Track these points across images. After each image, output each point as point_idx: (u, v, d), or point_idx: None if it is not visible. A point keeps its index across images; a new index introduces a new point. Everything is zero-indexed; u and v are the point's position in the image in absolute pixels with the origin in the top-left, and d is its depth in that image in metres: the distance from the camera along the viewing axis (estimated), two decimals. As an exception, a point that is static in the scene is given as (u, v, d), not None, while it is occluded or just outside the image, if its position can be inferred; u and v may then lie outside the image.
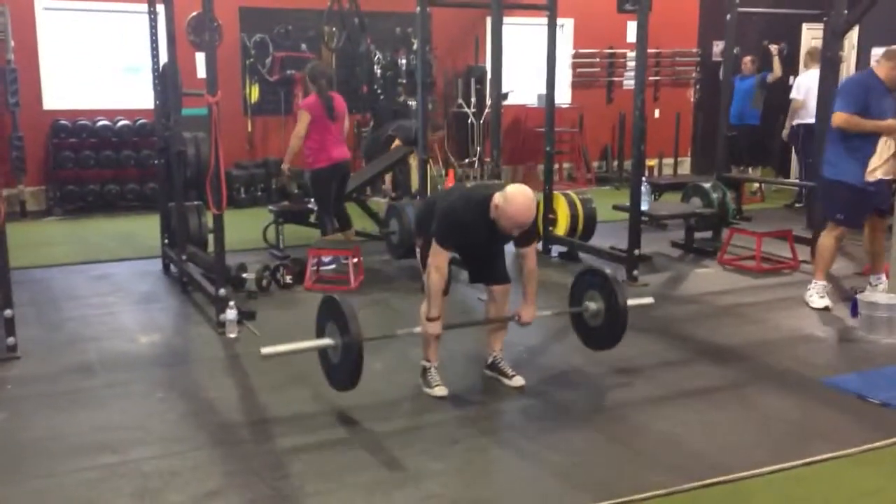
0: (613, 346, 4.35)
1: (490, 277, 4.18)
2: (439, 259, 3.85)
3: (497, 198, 3.75)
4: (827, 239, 5.51)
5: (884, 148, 5.21)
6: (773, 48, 9.54)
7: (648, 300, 4.68)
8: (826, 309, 5.46)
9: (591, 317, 4.36)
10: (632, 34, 6.74)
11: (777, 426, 3.80)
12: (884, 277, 5.59)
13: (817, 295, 5.53)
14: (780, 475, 3.31)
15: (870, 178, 5.23)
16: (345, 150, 6.56)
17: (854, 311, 5.18)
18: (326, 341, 3.79)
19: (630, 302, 4.30)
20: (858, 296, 5.15)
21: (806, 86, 8.66)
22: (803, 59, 9.81)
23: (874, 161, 5.22)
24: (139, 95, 9.00)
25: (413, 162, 8.86)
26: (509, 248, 4.11)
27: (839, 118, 5.20)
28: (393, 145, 8.19)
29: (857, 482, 3.30)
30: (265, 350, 3.73)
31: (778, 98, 9.88)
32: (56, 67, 9.23)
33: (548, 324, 5.28)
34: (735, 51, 8.09)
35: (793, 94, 9.09)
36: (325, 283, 6.13)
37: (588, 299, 4.35)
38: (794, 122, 9.05)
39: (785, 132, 9.37)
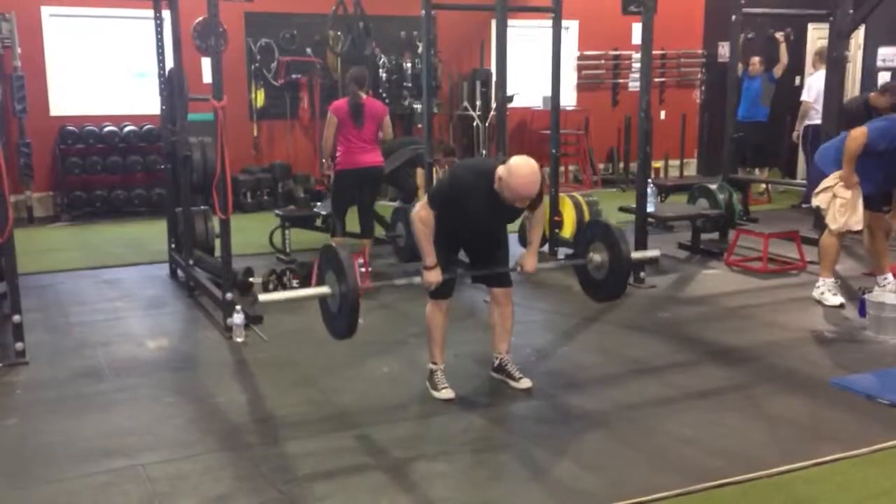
0: (618, 296, 4.28)
1: (493, 279, 4.15)
2: (423, 213, 3.81)
3: (501, 170, 3.68)
4: (829, 237, 5.52)
5: (840, 192, 5.31)
6: (779, 35, 9.50)
7: (655, 253, 4.62)
8: (841, 306, 5.47)
9: (596, 269, 4.29)
10: (637, 36, 6.75)
11: (786, 427, 3.79)
12: (891, 277, 5.58)
13: (829, 293, 5.54)
14: (789, 476, 3.30)
15: (833, 226, 5.41)
16: (373, 157, 6.31)
17: (862, 312, 5.17)
18: (324, 290, 3.77)
19: (634, 255, 4.23)
20: (866, 296, 5.14)
21: (816, 87, 8.63)
22: (812, 59, 9.79)
23: (830, 211, 5.38)
24: (146, 101, 9.01)
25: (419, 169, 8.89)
26: (513, 251, 4.10)
27: (858, 139, 5.22)
28: (416, 170, 8.01)
29: (866, 483, 3.29)
30: (262, 296, 3.80)
31: (786, 98, 9.86)
32: (63, 74, 9.27)
33: (554, 325, 5.28)
34: (744, 35, 7.99)
35: (803, 97, 9.07)
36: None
37: (592, 251, 4.30)
38: (805, 124, 9.03)
39: (795, 134, 9.35)
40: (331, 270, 3.73)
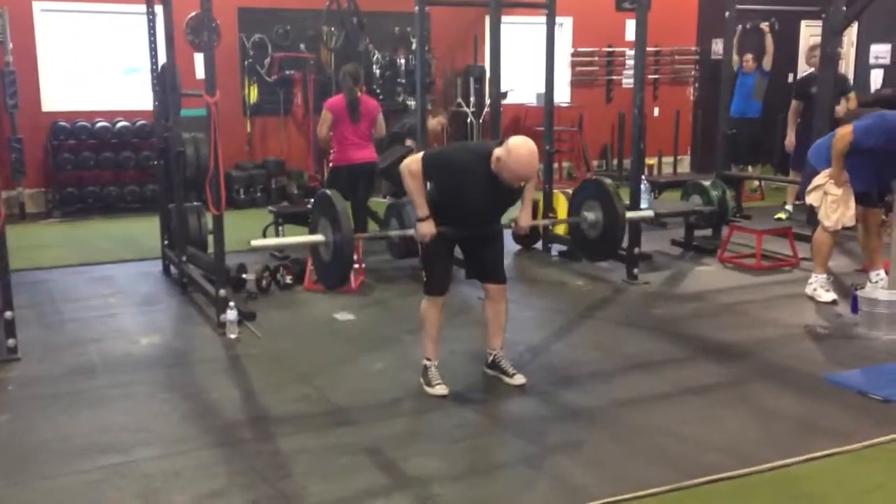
0: (612, 255, 4.27)
1: (487, 274, 4.15)
2: (414, 166, 3.79)
3: (499, 151, 3.71)
4: (822, 234, 5.54)
5: (831, 190, 5.35)
6: (765, 25, 9.50)
7: (649, 213, 4.58)
8: (834, 302, 5.49)
9: (590, 227, 4.26)
10: (631, 32, 6.73)
11: (779, 423, 3.81)
12: (882, 273, 5.60)
13: (822, 289, 5.56)
14: (782, 471, 3.31)
15: (828, 224, 5.43)
16: (368, 153, 6.42)
17: (854, 308, 5.18)
18: (318, 237, 3.73)
19: (629, 214, 4.22)
20: (859, 292, 5.15)
21: None
22: (806, 56, 9.79)
23: (822, 210, 5.41)
24: (138, 96, 9.00)
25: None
26: (508, 247, 4.10)
27: (845, 137, 5.23)
28: (407, 142, 7.98)
29: (859, 478, 3.31)
30: (254, 242, 3.77)
31: (777, 95, 9.87)
32: (55, 69, 9.23)
33: (548, 321, 5.28)
34: (741, 27, 8.01)
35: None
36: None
37: (586, 209, 4.27)
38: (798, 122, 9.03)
39: (788, 140, 9.36)
40: (324, 218, 3.69)
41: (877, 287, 5.35)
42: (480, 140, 3.91)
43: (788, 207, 8.46)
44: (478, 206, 3.92)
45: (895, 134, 5.20)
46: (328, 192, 3.76)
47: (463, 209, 3.94)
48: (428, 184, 3.91)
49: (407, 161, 3.87)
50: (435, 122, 7.55)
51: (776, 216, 8.34)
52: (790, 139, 8.46)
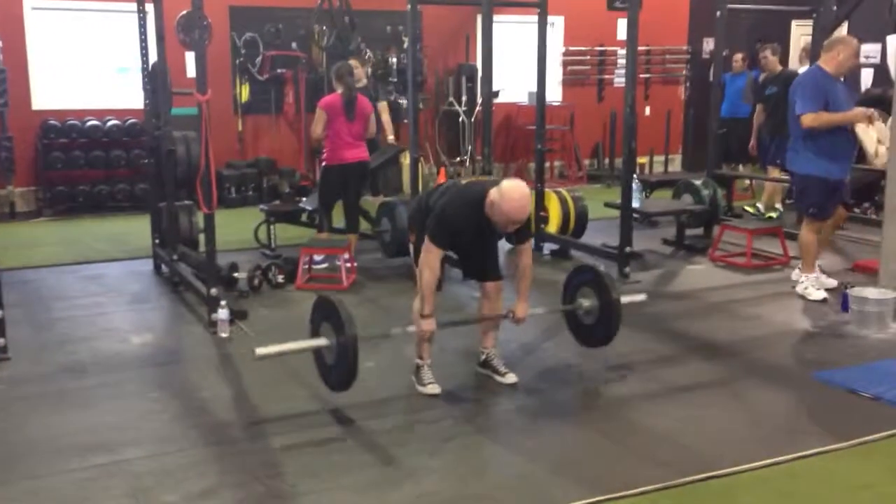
0: (607, 343, 4.36)
1: (483, 274, 4.18)
2: (432, 257, 3.85)
3: (492, 194, 3.74)
4: (808, 234, 5.59)
5: (866, 136, 5.31)
6: (768, 51, 9.53)
7: (641, 297, 4.68)
8: (824, 301, 5.52)
9: (585, 314, 4.36)
10: (622, 31, 6.75)
11: (769, 421, 3.82)
12: (811, 276, 5.63)
13: (813, 287, 5.60)
14: (772, 469, 3.33)
15: (878, 163, 5.47)
16: (360, 152, 6.35)
17: (845, 306, 5.21)
18: (321, 341, 3.78)
19: (623, 299, 4.31)
20: (849, 291, 5.18)
21: None
22: (798, 55, 9.83)
23: (871, 149, 5.35)
24: (129, 95, 8.95)
25: (404, 161, 8.87)
26: (502, 246, 4.11)
27: (809, 119, 5.29)
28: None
29: (848, 476, 3.32)
30: (259, 350, 3.71)
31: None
32: (45, 67, 9.18)
33: (540, 321, 5.27)
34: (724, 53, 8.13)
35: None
36: (317, 282, 6.13)
37: (581, 296, 4.36)
38: None
39: (751, 145, 9.39)
40: (326, 322, 3.74)
41: (799, 283, 5.54)
42: (473, 182, 3.89)
43: (759, 205, 8.53)
44: (474, 247, 4.07)
45: (821, 87, 5.29)
46: (328, 296, 3.80)
47: (457, 245, 4.06)
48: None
49: (424, 256, 3.86)
50: (360, 72, 7.30)
51: (767, 215, 8.37)
52: (752, 143, 8.54)
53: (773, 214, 8.41)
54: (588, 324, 4.37)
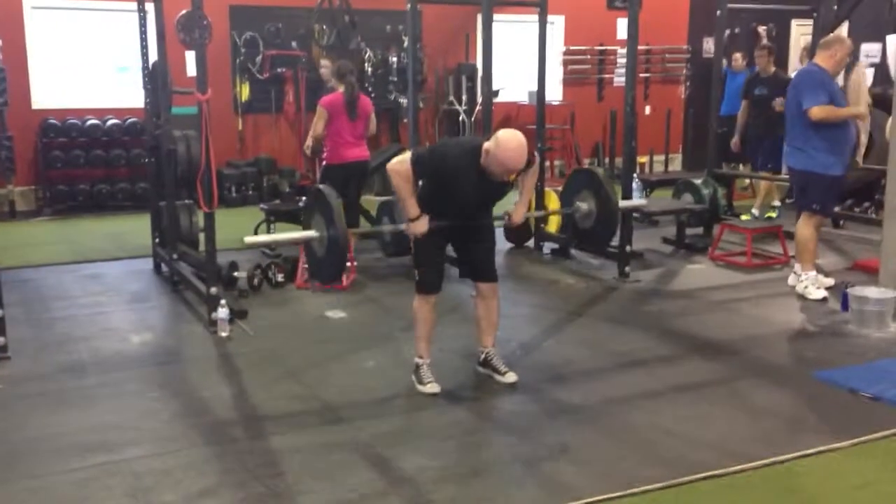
0: (607, 243, 4.26)
1: (479, 274, 4.16)
2: (402, 168, 3.77)
3: (488, 143, 3.70)
4: (807, 230, 5.58)
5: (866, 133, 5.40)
6: (762, 30, 9.51)
7: (642, 202, 4.57)
8: (824, 300, 5.52)
9: (583, 217, 4.26)
10: (622, 31, 6.75)
11: (769, 420, 3.82)
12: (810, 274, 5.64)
13: (813, 286, 5.59)
14: (772, 468, 3.32)
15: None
16: (362, 151, 6.41)
17: (845, 305, 5.21)
18: (312, 233, 3.72)
19: (622, 203, 4.22)
20: (849, 290, 5.17)
21: None
22: (800, 54, 9.82)
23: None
24: (129, 94, 8.95)
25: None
26: (500, 247, 4.10)
27: (819, 112, 5.30)
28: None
29: (848, 475, 3.32)
30: (248, 239, 3.83)
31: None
32: (45, 66, 9.17)
33: (540, 320, 5.29)
34: (729, 31, 8.08)
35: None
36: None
37: (578, 200, 4.27)
38: None
39: (733, 141, 9.38)
40: (318, 214, 3.68)
41: (807, 287, 5.53)
42: (469, 135, 3.86)
43: (754, 211, 8.47)
44: (467, 199, 3.92)
45: (825, 82, 5.33)
46: (321, 187, 3.75)
47: (451, 204, 3.94)
48: (419, 182, 3.91)
49: (393, 162, 3.83)
50: (327, 73, 7.22)
51: (766, 214, 8.36)
52: (735, 140, 8.42)
53: (773, 214, 8.40)
54: (587, 227, 4.27)
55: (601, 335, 5.02)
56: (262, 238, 3.73)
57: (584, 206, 4.17)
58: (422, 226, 3.86)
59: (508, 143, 3.66)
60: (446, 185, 3.86)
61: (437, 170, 3.83)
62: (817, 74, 5.42)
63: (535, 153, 3.95)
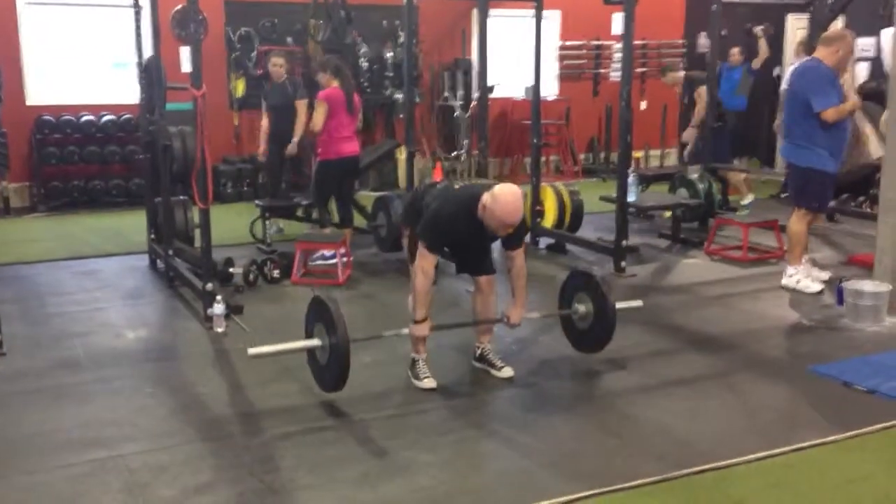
0: (601, 349, 4.34)
1: (476, 269, 4.19)
2: (426, 262, 3.86)
3: (485, 197, 3.74)
4: (800, 225, 5.59)
5: (867, 128, 5.43)
6: (758, 30, 9.51)
7: (637, 303, 4.63)
8: (820, 293, 5.54)
9: (580, 319, 4.35)
10: (618, 26, 6.75)
11: (764, 414, 3.83)
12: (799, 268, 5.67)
13: (807, 280, 5.60)
14: (767, 462, 3.33)
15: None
16: (355, 146, 6.44)
17: (840, 300, 5.22)
18: (314, 342, 3.79)
19: (619, 305, 4.29)
20: (844, 284, 5.19)
21: None
22: (795, 49, 9.81)
23: (873, 140, 5.49)
24: (124, 90, 8.93)
25: (400, 156, 8.87)
26: (496, 242, 4.11)
27: (833, 113, 5.28)
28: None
29: (843, 469, 3.33)
30: (252, 350, 3.74)
31: (763, 89, 9.90)
32: (39, 62, 9.15)
33: (536, 315, 5.29)
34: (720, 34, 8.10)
35: (783, 87, 9.10)
36: (313, 277, 6.12)
37: (577, 301, 4.35)
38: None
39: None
40: (319, 322, 3.74)
41: (799, 281, 5.56)
42: (466, 186, 3.86)
43: (744, 203, 8.53)
44: (468, 248, 4.11)
45: (833, 81, 5.34)
46: (321, 296, 3.79)
47: (450, 246, 4.12)
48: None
49: (418, 260, 3.87)
50: (279, 70, 7.20)
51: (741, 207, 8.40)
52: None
53: (746, 203, 8.48)
54: (583, 329, 4.36)
55: (597, 330, 5.02)
56: (267, 349, 3.76)
57: (581, 307, 4.26)
58: (424, 329, 3.95)
59: (505, 197, 3.70)
60: (446, 241, 4.02)
61: (442, 235, 3.93)
62: (824, 72, 5.37)
63: (527, 225, 4.03)
